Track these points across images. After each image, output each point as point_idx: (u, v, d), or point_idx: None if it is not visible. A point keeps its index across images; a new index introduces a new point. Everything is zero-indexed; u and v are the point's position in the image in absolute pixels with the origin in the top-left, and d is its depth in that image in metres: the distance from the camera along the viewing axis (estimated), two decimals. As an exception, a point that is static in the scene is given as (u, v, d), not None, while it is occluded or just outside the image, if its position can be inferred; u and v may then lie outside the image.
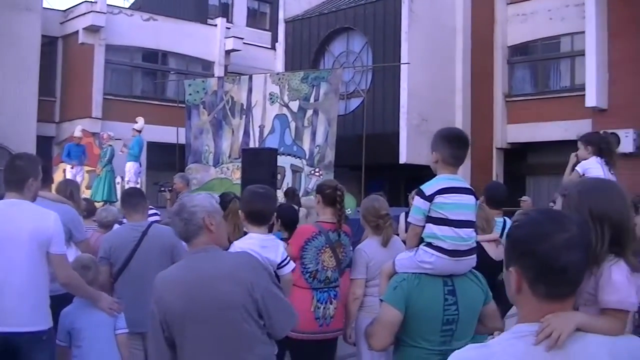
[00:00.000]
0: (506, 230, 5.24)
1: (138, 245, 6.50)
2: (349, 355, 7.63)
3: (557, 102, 26.58)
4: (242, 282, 4.05)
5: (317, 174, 20.62)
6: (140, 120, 20.23)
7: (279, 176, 18.89)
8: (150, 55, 33.97)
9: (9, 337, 5.19)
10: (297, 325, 6.38)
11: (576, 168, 7.18)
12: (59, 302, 5.86)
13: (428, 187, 4.69)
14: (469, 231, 4.69)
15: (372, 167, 21.71)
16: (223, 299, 4.00)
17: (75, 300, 5.98)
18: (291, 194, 12.39)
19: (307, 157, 21.19)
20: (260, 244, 5.64)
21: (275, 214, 6.29)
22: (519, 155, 29.07)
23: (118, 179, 21.60)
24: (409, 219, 4.87)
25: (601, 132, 7.44)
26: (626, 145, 21.93)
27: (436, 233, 4.58)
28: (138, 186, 18.75)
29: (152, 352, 4.27)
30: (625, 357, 2.36)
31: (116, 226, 10.09)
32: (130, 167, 20.03)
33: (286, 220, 8.05)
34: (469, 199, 4.76)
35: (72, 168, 20.19)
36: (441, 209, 4.61)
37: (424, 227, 4.68)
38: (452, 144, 4.81)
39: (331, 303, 6.77)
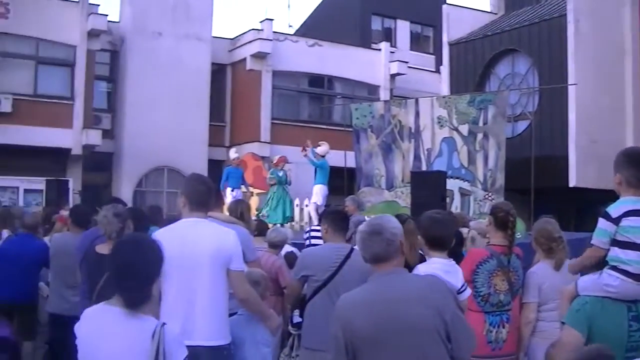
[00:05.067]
0: None
1: (341, 267, 6.53)
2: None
3: None
4: (433, 305, 4.00)
5: (489, 198, 20.36)
6: (324, 145, 20.46)
7: (447, 199, 18.76)
8: (316, 80, 34.51)
9: (193, 350, 5.39)
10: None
11: None
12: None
13: (614, 209, 4.57)
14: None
15: (541, 190, 21.24)
16: (415, 322, 3.95)
17: (243, 313, 6.15)
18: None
19: (481, 181, 20.96)
20: (443, 269, 5.62)
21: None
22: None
23: (297, 201, 22.15)
24: (592, 241, 4.73)
25: None
26: None
27: (621, 257, 4.45)
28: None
29: None
30: None
31: (287, 247, 10.36)
32: (318, 189, 20.31)
33: None
34: None
35: (232, 191, 20.57)
36: (627, 233, 4.47)
37: (608, 250, 4.57)
38: (635, 164, 4.67)
39: (503, 327, 6.64)
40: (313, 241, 10.32)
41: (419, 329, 3.94)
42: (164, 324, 3.97)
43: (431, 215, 5.99)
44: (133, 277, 3.87)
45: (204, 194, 5.84)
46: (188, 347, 5.29)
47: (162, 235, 5.81)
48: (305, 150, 20.07)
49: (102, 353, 3.81)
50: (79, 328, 3.93)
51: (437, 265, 5.66)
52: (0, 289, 9.75)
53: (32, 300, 9.88)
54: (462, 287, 5.81)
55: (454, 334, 4.01)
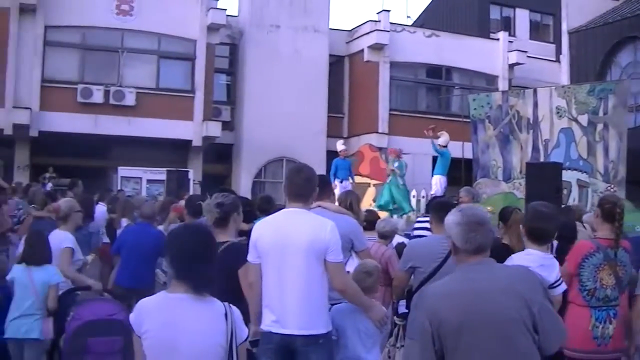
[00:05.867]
0: None
1: (447, 258, 6.41)
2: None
3: None
4: (519, 296, 3.97)
5: (612, 189, 19.91)
6: (445, 135, 20.57)
7: (564, 191, 18.45)
8: (434, 70, 34.41)
9: (288, 338, 5.53)
10: (573, 343, 6.22)
11: None
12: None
13: None
14: None
15: (664, 182, 20.73)
16: (501, 312, 3.94)
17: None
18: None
19: (602, 172, 20.51)
20: (538, 262, 5.58)
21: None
22: None
23: (413, 192, 22.41)
24: None
25: None
26: None
27: None
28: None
29: None
30: None
31: (398, 238, 10.41)
32: (437, 180, 20.42)
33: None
34: None
35: (340, 182, 20.78)
36: None
37: None
38: None
39: (610, 323, 6.49)
40: (416, 232, 10.31)
41: (504, 319, 3.93)
42: (230, 304, 4.12)
43: (536, 208, 5.92)
44: (200, 262, 4.02)
45: (300, 185, 5.88)
46: (283, 335, 5.46)
47: (260, 225, 6.03)
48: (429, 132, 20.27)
49: (182, 340, 3.94)
50: (145, 320, 4.03)
51: (532, 257, 5.62)
52: (120, 275, 10.27)
53: (149, 287, 10.20)
54: (555, 282, 5.73)
55: (541, 325, 3.97)
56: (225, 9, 29.49)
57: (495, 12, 40.46)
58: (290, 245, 5.61)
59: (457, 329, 3.95)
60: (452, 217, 4.31)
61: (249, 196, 20.52)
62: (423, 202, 22.83)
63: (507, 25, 39.46)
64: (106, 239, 13.23)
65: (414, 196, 22.68)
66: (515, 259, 5.60)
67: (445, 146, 20.33)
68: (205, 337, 3.96)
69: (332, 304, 6.01)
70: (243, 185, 28.66)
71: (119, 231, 12.63)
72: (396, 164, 20.61)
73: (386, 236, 9.65)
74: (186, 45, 28.79)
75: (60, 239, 8.86)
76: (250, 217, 9.00)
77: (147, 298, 4.20)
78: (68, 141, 26.42)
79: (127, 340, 6.09)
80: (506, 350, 3.91)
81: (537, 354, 3.98)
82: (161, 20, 27.82)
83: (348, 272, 6.38)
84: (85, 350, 5.93)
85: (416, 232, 10.24)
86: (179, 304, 4.00)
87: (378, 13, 32.77)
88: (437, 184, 20.21)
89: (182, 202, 12.79)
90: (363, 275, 6.31)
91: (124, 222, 13.03)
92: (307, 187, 5.91)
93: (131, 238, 10.51)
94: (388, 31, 32.25)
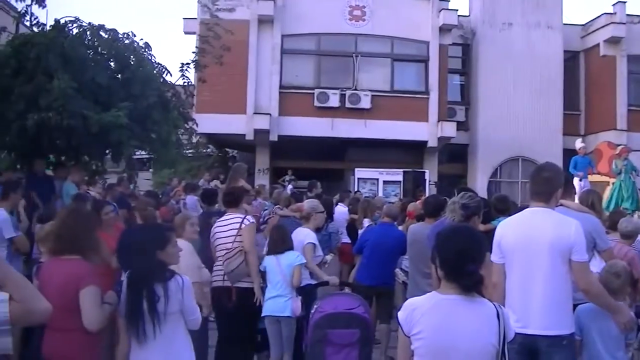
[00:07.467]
0: None
1: None
2: None
3: None
4: None
5: None
6: None
7: None
8: (675, 62, 32.80)
9: (531, 338, 5.54)
10: None
11: None
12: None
13: None
14: None
15: None
16: None
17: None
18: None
19: None
20: None
21: None
22: None
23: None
24: None
25: None
26: None
27: None
28: None
29: None
30: None
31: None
32: None
33: None
34: None
35: (580, 180, 20.43)
36: None
37: None
38: None
39: None
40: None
41: None
42: (500, 305, 4.23)
43: None
44: (470, 262, 4.12)
45: (540, 184, 5.87)
46: (525, 335, 5.46)
47: (503, 225, 6.07)
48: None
49: (458, 341, 4.08)
50: (419, 321, 4.14)
51: None
52: (360, 274, 10.81)
53: (389, 285, 10.65)
54: None
55: None
56: (457, 10, 29.59)
57: None
58: (535, 245, 5.62)
59: None
60: None
61: (485, 196, 20.58)
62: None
63: None
64: (347, 239, 13.74)
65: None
66: None
67: None
68: (480, 337, 4.09)
69: (575, 305, 5.93)
70: (479, 185, 28.61)
71: (360, 231, 13.08)
72: (624, 162, 20.12)
73: (629, 236, 9.45)
74: (419, 47, 29.10)
75: (303, 235, 9.60)
76: (488, 217, 9.11)
77: (416, 298, 4.34)
78: (306, 144, 27.48)
79: (364, 332, 6.42)
80: None
81: None
82: (393, 24, 28.32)
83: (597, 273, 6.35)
84: (325, 341, 6.28)
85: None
86: (453, 305, 4.13)
87: (613, 5, 31.71)
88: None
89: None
90: (611, 277, 6.21)
91: (366, 222, 13.46)
92: (547, 186, 5.86)
93: (373, 238, 10.96)
94: (625, 23, 31.20)
